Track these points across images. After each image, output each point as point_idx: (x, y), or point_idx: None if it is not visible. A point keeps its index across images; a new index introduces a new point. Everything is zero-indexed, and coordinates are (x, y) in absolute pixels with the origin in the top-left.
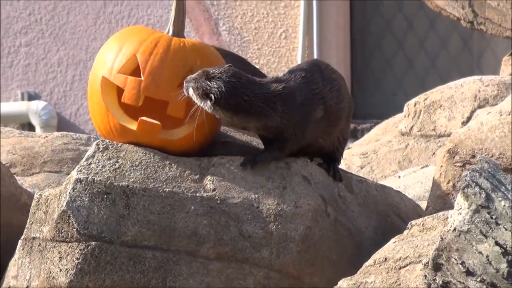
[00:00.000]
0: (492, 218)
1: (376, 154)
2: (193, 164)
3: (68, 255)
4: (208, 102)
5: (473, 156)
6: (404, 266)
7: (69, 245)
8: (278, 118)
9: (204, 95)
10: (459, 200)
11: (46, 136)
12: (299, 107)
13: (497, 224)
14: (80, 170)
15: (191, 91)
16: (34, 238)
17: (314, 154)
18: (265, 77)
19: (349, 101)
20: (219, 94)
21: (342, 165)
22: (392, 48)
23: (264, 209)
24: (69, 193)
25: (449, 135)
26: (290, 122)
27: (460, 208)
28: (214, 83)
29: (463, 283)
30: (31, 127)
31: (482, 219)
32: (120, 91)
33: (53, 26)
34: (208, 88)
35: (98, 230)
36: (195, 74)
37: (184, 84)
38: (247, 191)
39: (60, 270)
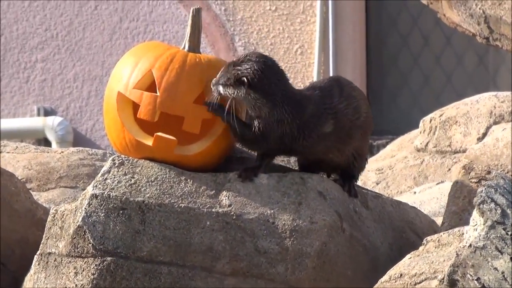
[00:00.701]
0: (507, 234)
1: (392, 170)
2: (208, 179)
3: (83, 270)
4: (243, 88)
5: (489, 172)
6: (420, 282)
7: (84, 261)
8: (277, 116)
9: (237, 82)
10: (475, 216)
11: (62, 152)
12: (306, 119)
13: None
14: (96, 186)
15: (221, 89)
16: (49, 253)
17: (330, 171)
18: None
19: (367, 120)
20: (253, 73)
21: (357, 181)
22: (408, 64)
23: (279, 225)
24: (85, 208)
25: (464, 151)
26: (287, 133)
27: (476, 224)
28: (245, 65)
29: None
30: (47, 143)
31: (498, 235)
32: (136, 106)
33: (69, 42)
34: (239, 73)
35: (114, 246)
36: (220, 72)
37: (213, 88)
38: (263, 207)
39: (76, 285)
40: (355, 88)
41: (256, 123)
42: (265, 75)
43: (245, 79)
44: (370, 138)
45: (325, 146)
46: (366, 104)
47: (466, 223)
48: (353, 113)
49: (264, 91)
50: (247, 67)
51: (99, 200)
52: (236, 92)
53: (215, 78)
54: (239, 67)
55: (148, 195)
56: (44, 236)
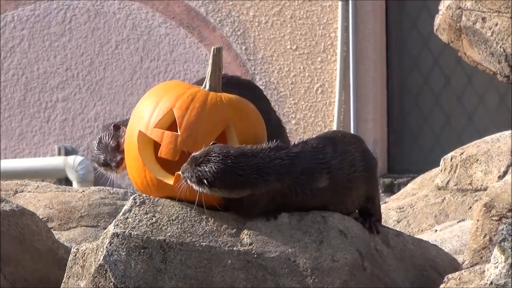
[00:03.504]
0: None
1: (413, 208)
2: (229, 218)
3: None
4: (206, 188)
5: (510, 210)
6: None
7: None
8: (268, 188)
9: (199, 182)
10: (496, 254)
11: (83, 191)
12: (297, 177)
13: None
14: (117, 225)
15: (189, 182)
16: None
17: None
18: (274, 114)
19: (367, 167)
20: (212, 177)
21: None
22: (429, 103)
23: (301, 263)
24: (106, 247)
25: (485, 189)
26: (279, 194)
27: (497, 262)
28: (204, 167)
29: None
30: (68, 182)
31: None
32: (157, 145)
33: (90, 81)
34: (199, 174)
35: (135, 285)
36: (186, 163)
37: (181, 176)
38: (284, 245)
39: None
40: (350, 142)
41: (244, 198)
42: (227, 173)
43: (205, 181)
44: (391, 177)
45: (321, 201)
46: (364, 153)
47: (488, 261)
48: (348, 167)
49: (232, 185)
50: (206, 169)
51: (120, 239)
52: (200, 189)
53: (183, 166)
54: (199, 169)
55: (169, 234)
56: (65, 275)
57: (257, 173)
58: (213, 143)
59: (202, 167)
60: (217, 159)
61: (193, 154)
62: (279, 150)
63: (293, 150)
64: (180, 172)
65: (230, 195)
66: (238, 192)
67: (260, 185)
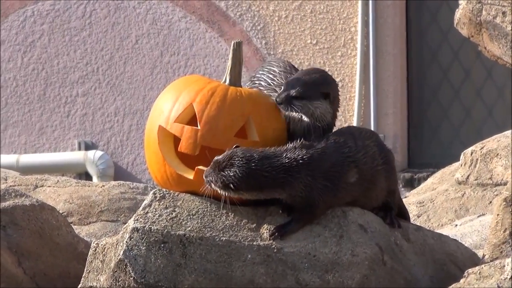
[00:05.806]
0: None
1: (433, 203)
2: (249, 213)
3: None
4: (232, 191)
5: None
6: None
7: None
8: (302, 186)
9: (225, 187)
10: None
11: (103, 185)
12: (327, 172)
13: None
14: (137, 219)
15: (213, 186)
16: (91, 287)
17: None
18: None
19: (386, 160)
20: (238, 181)
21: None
22: (448, 97)
23: (321, 258)
24: (126, 242)
25: (505, 184)
26: (315, 189)
27: None
28: (228, 172)
29: None
30: (88, 177)
31: None
32: (177, 140)
33: (110, 76)
34: (224, 179)
35: (155, 279)
36: (209, 167)
37: (205, 180)
38: (304, 240)
39: None
40: (367, 137)
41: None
42: (252, 176)
43: (231, 185)
44: (410, 171)
45: (351, 196)
46: (381, 146)
47: (507, 255)
48: (371, 160)
49: (258, 186)
50: (231, 175)
51: (140, 234)
52: (226, 193)
53: (206, 170)
54: (223, 174)
55: (189, 228)
56: (85, 269)
57: (284, 172)
58: (236, 147)
59: (226, 172)
60: (241, 162)
61: (216, 158)
62: (305, 148)
63: (319, 146)
64: (204, 176)
65: (260, 197)
66: (268, 193)
67: (290, 183)
